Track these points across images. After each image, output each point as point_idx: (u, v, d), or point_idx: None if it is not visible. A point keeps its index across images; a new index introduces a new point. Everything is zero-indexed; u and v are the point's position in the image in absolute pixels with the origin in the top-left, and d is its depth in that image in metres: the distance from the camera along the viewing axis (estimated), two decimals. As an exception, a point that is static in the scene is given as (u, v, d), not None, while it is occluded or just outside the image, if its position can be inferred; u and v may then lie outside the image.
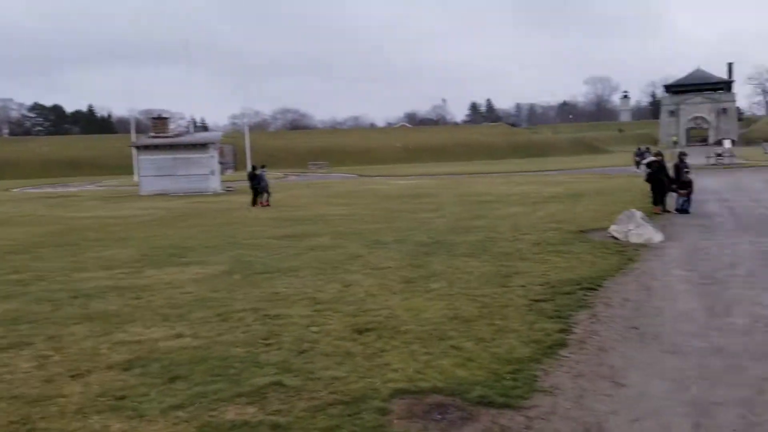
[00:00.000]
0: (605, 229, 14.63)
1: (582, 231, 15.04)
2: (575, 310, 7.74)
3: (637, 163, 45.21)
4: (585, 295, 8.55)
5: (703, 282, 9.36)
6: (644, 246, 12.78)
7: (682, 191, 18.34)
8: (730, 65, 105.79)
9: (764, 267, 10.30)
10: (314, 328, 7.12)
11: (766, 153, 63.75)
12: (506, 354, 6.07)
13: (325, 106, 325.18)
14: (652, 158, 20.11)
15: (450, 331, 6.87)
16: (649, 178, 19.11)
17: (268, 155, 58.43)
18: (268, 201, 26.95)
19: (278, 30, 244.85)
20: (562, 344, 6.41)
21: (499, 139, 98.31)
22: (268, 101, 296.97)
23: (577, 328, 6.96)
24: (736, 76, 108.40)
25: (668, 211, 18.40)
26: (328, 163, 75.57)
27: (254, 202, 26.67)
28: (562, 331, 6.83)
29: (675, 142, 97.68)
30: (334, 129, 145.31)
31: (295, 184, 46.54)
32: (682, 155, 19.43)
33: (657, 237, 13.48)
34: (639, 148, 46.50)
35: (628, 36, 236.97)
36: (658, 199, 18.70)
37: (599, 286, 9.14)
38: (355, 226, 17.77)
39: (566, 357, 6.05)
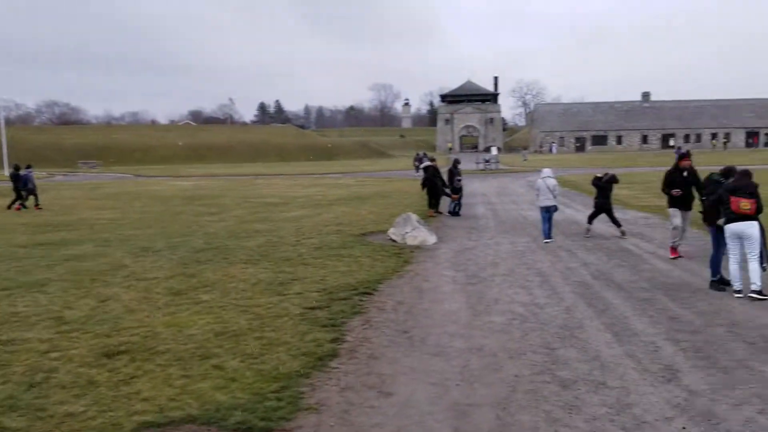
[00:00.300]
0: (385, 231, 15.02)
1: (363, 234, 15.28)
2: (350, 316, 7.64)
3: (416, 168, 47.93)
4: (361, 300, 8.52)
5: (469, 282, 9.86)
6: (419, 248, 13.28)
7: (454, 195, 19.55)
8: (495, 79, 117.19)
9: (520, 266, 11.16)
10: (54, 354, 6.16)
11: (525, 160, 71.40)
12: (273, 370, 5.72)
13: (102, 102, 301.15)
14: (428, 163, 21.21)
15: (215, 348, 6.35)
16: (425, 183, 20.21)
17: (30, 152, 52.25)
18: (38, 204, 23.93)
19: (52, 20, 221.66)
20: (333, 354, 6.22)
21: (288, 140, 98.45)
22: (35, 94, 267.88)
23: (349, 336, 6.84)
24: (501, 89, 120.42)
25: (441, 213, 19.55)
26: (102, 162, 69.68)
27: (10, 205, 23.45)
28: (334, 340, 6.65)
29: (450, 149, 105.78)
30: (109, 125, 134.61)
31: (60, 185, 42.03)
32: (456, 162, 20.70)
33: (431, 239, 14.10)
34: (417, 153, 49.31)
35: (410, 47, 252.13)
36: (433, 202, 19.81)
37: (375, 290, 9.20)
38: (124, 231, 16.29)
39: (336, 368, 5.86)
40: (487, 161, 50.35)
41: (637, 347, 6.38)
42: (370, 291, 9.06)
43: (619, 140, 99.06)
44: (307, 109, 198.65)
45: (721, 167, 9.30)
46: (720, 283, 8.94)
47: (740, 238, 8.29)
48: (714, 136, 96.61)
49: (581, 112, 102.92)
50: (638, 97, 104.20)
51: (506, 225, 17.10)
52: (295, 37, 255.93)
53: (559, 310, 7.91)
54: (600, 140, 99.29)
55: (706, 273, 9.74)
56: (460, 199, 19.69)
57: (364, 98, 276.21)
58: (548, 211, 14.26)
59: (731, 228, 8.36)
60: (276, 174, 50.64)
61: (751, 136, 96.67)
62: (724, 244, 8.88)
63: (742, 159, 52.92)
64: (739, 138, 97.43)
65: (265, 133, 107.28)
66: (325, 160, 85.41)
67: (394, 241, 14.12)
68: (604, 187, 14.53)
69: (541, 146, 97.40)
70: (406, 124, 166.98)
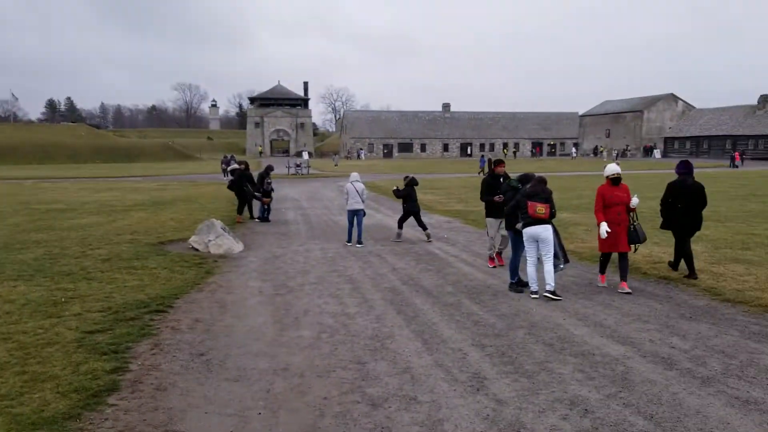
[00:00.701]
0: (187, 239, 13.92)
1: (162, 243, 14.03)
2: (137, 339, 6.69)
3: (224, 171, 46.19)
4: (152, 319, 7.56)
5: (277, 293, 9.28)
6: (224, 257, 12.42)
7: (265, 199, 18.79)
8: (305, 84, 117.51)
9: (331, 273, 10.81)
10: None
11: (336, 165, 72.28)
12: (34, 414, 4.69)
13: None
14: (235, 166, 20.20)
15: (-41, 392, 5.12)
16: (231, 186, 19.27)
17: None
18: None
19: None
20: (113, 388, 5.30)
21: (81, 141, 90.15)
22: None
23: (134, 364, 5.93)
24: (311, 95, 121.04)
25: (257, 219, 18.73)
26: None
27: None
28: (115, 370, 5.71)
29: (261, 152, 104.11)
30: None
31: None
32: (268, 168, 19.79)
33: (237, 247, 13.29)
34: (225, 156, 47.59)
35: (217, 48, 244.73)
36: (241, 207, 18.94)
37: (170, 306, 8.26)
38: None
39: (114, 405, 4.97)
40: (298, 166, 50.00)
41: (446, 355, 6.24)
42: (164, 308, 8.11)
43: (423, 148, 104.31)
44: (103, 108, 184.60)
45: (519, 174, 9.69)
46: (518, 285, 9.28)
47: (536, 240, 8.66)
48: (505, 145, 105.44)
49: (389, 120, 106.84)
50: (440, 108, 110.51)
51: (317, 231, 16.76)
52: (88, 30, 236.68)
53: (369, 320, 7.63)
54: (406, 147, 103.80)
55: (507, 276, 10.12)
56: (269, 203, 19.01)
57: (167, 98, 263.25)
58: (357, 215, 14.22)
59: (528, 231, 8.69)
60: (66, 177, 45.88)
61: (535, 146, 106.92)
62: (523, 248, 9.25)
63: (529, 166, 58.18)
64: (526, 147, 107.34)
65: (55, 132, 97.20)
66: (124, 162, 79.47)
67: (196, 250, 13.10)
68: (408, 193, 14.72)
69: (349, 152, 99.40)
70: (215, 126, 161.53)
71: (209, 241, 13.09)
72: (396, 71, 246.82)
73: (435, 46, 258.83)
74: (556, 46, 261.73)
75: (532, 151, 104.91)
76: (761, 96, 77.42)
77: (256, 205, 19.51)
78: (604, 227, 8.85)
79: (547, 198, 8.65)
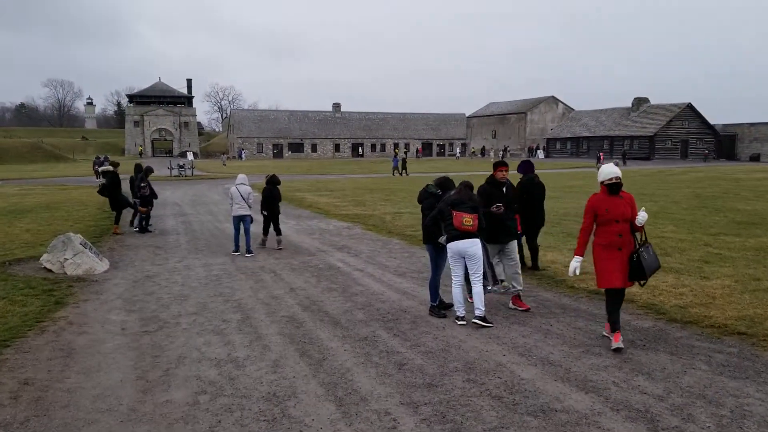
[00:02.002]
0: (39, 257, 11.58)
1: (7, 262, 11.60)
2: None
3: (97, 173, 42.39)
4: (-40, 383, 5.51)
5: (144, 329, 7.39)
6: (83, 280, 10.26)
7: (142, 208, 16.37)
8: (189, 81, 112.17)
9: (215, 297, 9.01)
10: None
11: (224, 165, 68.95)
12: None
13: None
14: (108, 167, 17.38)
15: None
16: (102, 190, 16.65)
17: None
18: None
19: None
20: None
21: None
22: None
23: None
24: (195, 93, 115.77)
25: (142, 230, 16.32)
26: None
27: None
28: None
29: (141, 153, 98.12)
30: None
31: None
32: (145, 170, 17.11)
33: (101, 266, 11.13)
34: (98, 157, 43.83)
35: (94, 43, 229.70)
36: (118, 216, 16.48)
37: (-5, 357, 6.21)
38: None
39: None
40: (181, 167, 46.78)
41: (369, 425, 4.72)
42: (-17, 363, 6.06)
43: (314, 148, 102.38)
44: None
45: (437, 177, 8.33)
46: (440, 307, 7.95)
47: (462, 257, 7.36)
48: (396, 145, 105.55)
49: (278, 119, 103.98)
50: (330, 108, 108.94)
51: (201, 241, 14.74)
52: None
53: (264, 368, 5.97)
54: (297, 147, 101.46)
55: (423, 294, 8.77)
56: (149, 211, 16.56)
57: (37, 95, 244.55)
58: (243, 221, 12.89)
59: (453, 246, 7.36)
60: None
61: (418, 148, 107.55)
62: (444, 264, 7.92)
63: (417, 167, 57.90)
64: (416, 148, 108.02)
65: None
66: (-15, 164, 71.91)
67: (49, 271, 10.83)
68: (272, 195, 13.54)
69: (226, 152, 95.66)
70: (91, 125, 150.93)
71: (65, 260, 10.85)
72: (283, 71, 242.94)
73: (322, 46, 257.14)
74: (442, 47, 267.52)
75: (415, 151, 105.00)
76: (635, 99, 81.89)
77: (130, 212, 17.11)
78: (575, 265, 6.58)
79: (474, 207, 7.33)
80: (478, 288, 7.31)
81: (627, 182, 7.73)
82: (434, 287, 7.97)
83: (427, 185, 8.15)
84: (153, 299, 8.94)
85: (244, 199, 12.85)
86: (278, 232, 13.72)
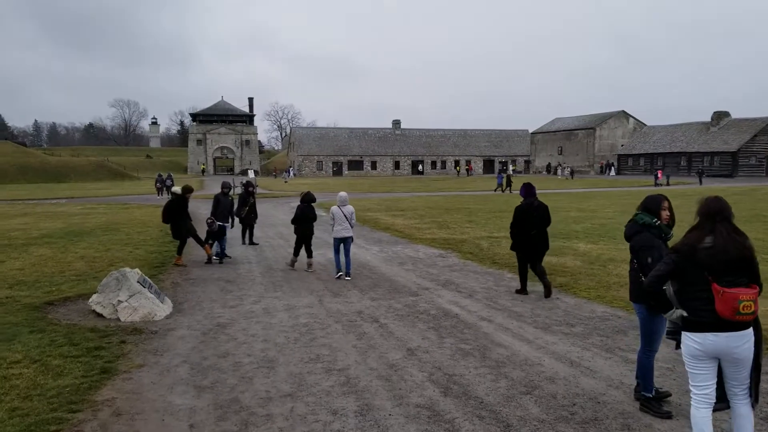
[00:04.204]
0: (90, 295, 9.53)
1: (50, 303, 9.59)
2: None
3: (159, 190, 41.34)
4: None
5: (219, 425, 5.07)
6: (140, 330, 8.08)
7: (208, 248, 13.85)
8: (250, 100, 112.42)
9: (311, 363, 6.64)
10: None
11: (285, 182, 67.69)
12: None
13: None
14: (177, 190, 14.53)
15: None
16: (166, 213, 13.71)
17: None
18: None
19: None
20: None
21: (5, 159, 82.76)
22: None
23: None
24: (256, 112, 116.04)
25: (213, 261, 13.90)
26: None
27: None
28: None
29: (203, 170, 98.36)
30: None
31: None
32: (225, 186, 15.03)
33: (162, 310, 8.96)
34: (160, 175, 42.77)
35: (159, 67, 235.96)
36: (181, 246, 13.77)
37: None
38: None
39: None
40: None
41: None
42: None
43: (373, 165, 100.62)
44: (37, 126, 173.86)
45: (647, 198, 5.61)
46: (658, 400, 5.33)
47: (716, 358, 4.26)
48: (457, 163, 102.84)
49: (338, 137, 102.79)
50: (390, 125, 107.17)
51: (277, 273, 12.52)
52: (23, 48, 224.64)
53: None
54: (356, 165, 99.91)
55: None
56: (222, 237, 14.21)
57: (105, 115, 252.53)
58: (344, 243, 11.94)
59: (709, 343, 4.17)
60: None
61: (488, 164, 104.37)
62: (660, 337, 5.33)
63: (480, 184, 55.00)
64: (479, 165, 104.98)
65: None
66: (53, 182, 72.79)
67: (99, 315, 8.74)
68: (304, 214, 12.58)
69: (290, 167, 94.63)
70: (155, 143, 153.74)
71: (119, 302, 8.74)
72: (340, 92, 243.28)
73: (379, 69, 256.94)
74: (499, 69, 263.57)
75: (465, 169, 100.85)
76: (715, 113, 76.93)
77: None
78: None
79: (754, 273, 4.16)
80: (745, 409, 4.32)
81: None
82: (647, 369, 5.32)
83: (636, 214, 5.52)
84: (229, 366, 6.63)
85: (347, 219, 11.88)
86: (309, 254, 12.91)
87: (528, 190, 10.13)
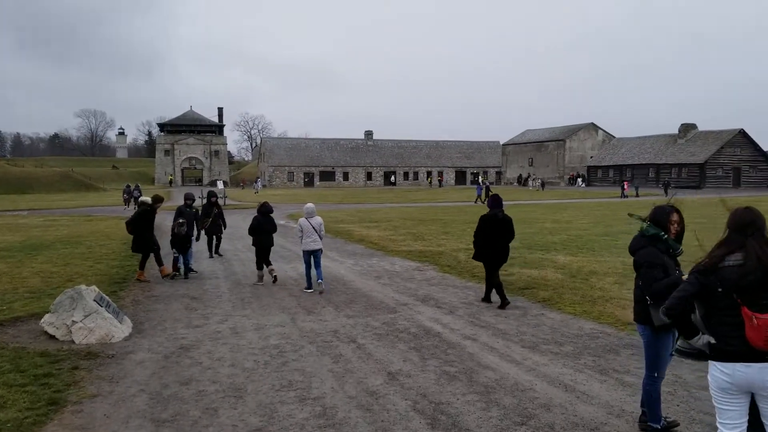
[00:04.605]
0: (43, 315, 8.79)
1: (4, 323, 8.84)
2: None
3: (126, 201, 40.30)
4: None
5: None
6: (96, 354, 7.40)
7: (168, 271, 13.11)
8: (220, 110, 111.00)
9: (284, 392, 6.06)
10: None
11: (256, 193, 66.73)
12: None
13: None
14: (146, 199, 13.84)
15: None
16: (130, 225, 12.87)
17: None
18: None
19: None
20: None
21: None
22: None
23: None
24: (225, 122, 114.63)
25: (177, 275, 13.14)
26: None
27: None
28: None
29: (171, 181, 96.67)
30: None
31: None
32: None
33: (120, 331, 8.28)
34: (128, 186, 41.73)
35: (126, 75, 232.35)
36: (144, 259, 13.01)
37: None
38: None
39: None
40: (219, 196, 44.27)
41: None
42: None
43: (345, 176, 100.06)
44: (0, 136, 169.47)
45: (655, 208, 5.07)
46: (667, 430, 4.88)
47: (748, 392, 3.73)
48: (429, 174, 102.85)
49: (309, 148, 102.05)
50: (362, 136, 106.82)
51: (246, 289, 11.88)
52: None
53: None
54: (328, 176, 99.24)
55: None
56: (187, 250, 13.45)
57: (70, 125, 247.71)
58: (314, 256, 11.60)
59: (739, 375, 3.66)
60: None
61: (460, 175, 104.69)
62: (666, 363, 4.87)
63: (452, 195, 54.76)
64: (450, 176, 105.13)
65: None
66: (16, 193, 70.68)
67: (52, 337, 8.03)
68: (260, 226, 12.27)
69: (242, 182, 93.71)
70: (122, 154, 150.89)
71: (73, 323, 8.04)
72: (312, 103, 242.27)
73: (352, 80, 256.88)
74: (472, 80, 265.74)
75: (438, 179, 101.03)
76: (682, 125, 78.02)
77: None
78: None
79: None
80: None
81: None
82: (654, 398, 4.85)
83: (642, 228, 5.02)
84: (192, 395, 6.00)
85: (316, 231, 11.59)
86: (268, 263, 12.54)
87: (495, 201, 10.21)
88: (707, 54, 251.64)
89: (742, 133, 72.82)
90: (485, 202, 42.78)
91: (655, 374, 4.83)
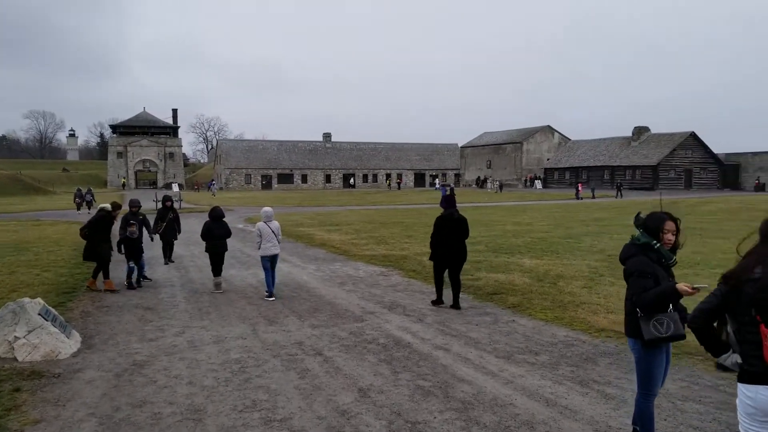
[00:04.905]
0: (-18, 329, 8.09)
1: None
2: None
3: (78, 205, 39.00)
4: None
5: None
6: (40, 374, 6.82)
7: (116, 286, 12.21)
8: (174, 111, 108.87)
9: (247, 413, 5.61)
10: None
11: (214, 195, 65.52)
12: None
13: None
14: (106, 206, 12.68)
15: None
16: (85, 231, 12.13)
17: None
18: None
19: None
20: None
21: None
22: None
23: None
24: (181, 124, 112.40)
25: (110, 291, 12.08)
26: None
27: None
28: None
29: (124, 185, 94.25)
30: None
31: None
32: (133, 205, 13.39)
33: (67, 346, 7.69)
34: (79, 189, 40.43)
35: (78, 75, 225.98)
36: (98, 268, 12.19)
37: None
38: None
39: None
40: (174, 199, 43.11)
41: None
42: None
43: (304, 179, 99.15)
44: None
45: (649, 214, 4.65)
46: None
47: None
48: (388, 176, 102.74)
49: (267, 150, 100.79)
50: (320, 138, 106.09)
51: (204, 298, 11.33)
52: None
53: None
54: (286, 178, 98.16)
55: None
56: (140, 256, 12.68)
57: (18, 127, 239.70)
58: (272, 261, 11.32)
59: (762, 399, 3.30)
60: None
61: (419, 177, 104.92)
62: (661, 378, 4.60)
63: (412, 197, 54.65)
64: (410, 178, 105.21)
65: None
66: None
67: (-9, 355, 7.40)
68: (210, 231, 11.99)
69: (196, 184, 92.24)
70: (73, 156, 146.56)
71: (15, 338, 7.42)
72: (269, 104, 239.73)
73: (310, 81, 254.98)
74: (430, 81, 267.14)
75: (396, 182, 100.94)
76: (635, 128, 79.72)
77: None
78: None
79: None
80: None
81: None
82: (647, 417, 4.54)
83: (633, 236, 4.70)
84: (147, 418, 5.51)
85: (276, 236, 11.32)
86: (219, 271, 12.10)
87: (448, 201, 10.22)
88: (659, 60, 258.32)
89: (693, 136, 74.74)
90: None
91: (648, 392, 4.55)
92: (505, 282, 12.18)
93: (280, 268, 14.89)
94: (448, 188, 45.43)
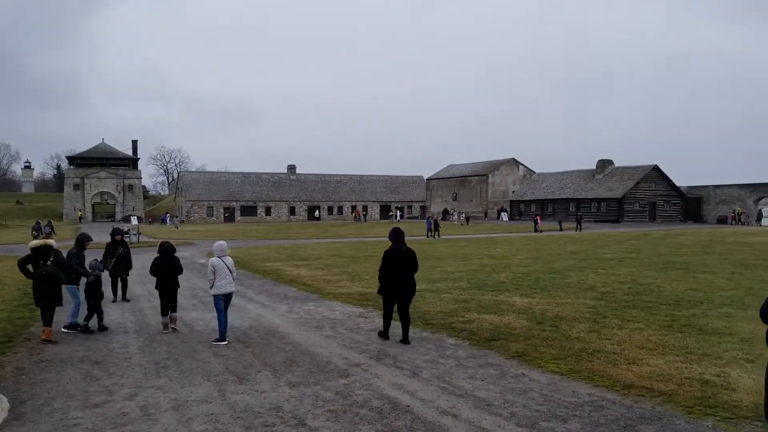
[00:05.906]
0: None
1: None
2: None
3: (35, 239, 36.85)
4: None
5: None
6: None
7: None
8: (134, 143, 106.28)
9: None
10: None
11: (176, 228, 63.32)
12: None
13: None
14: (48, 242, 11.44)
15: None
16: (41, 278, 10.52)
17: None
18: None
19: None
20: None
21: None
22: None
23: None
24: (141, 155, 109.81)
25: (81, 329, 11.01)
26: None
27: None
28: None
29: (81, 218, 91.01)
30: None
31: None
32: (82, 240, 12.15)
33: (-13, 419, 6.20)
34: (38, 222, 38.48)
35: (34, 104, 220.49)
36: (51, 314, 10.45)
37: None
38: None
39: None
40: (125, 233, 41.16)
41: None
42: None
43: (268, 211, 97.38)
44: None
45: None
46: None
47: None
48: (353, 208, 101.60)
49: (230, 182, 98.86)
50: (285, 170, 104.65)
51: (160, 346, 9.86)
52: None
53: None
54: (250, 210, 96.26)
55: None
56: (96, 302, 11.33)
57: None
58: (226, 300, 10.28)
59: None
60: None
61: (384, 209, 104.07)
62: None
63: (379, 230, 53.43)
64: (375, 210, 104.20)
65: None
66: None
67: None
68: (159, 267, 11.10)
69: (150, 218, 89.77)
70: (28, 189, 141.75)
71: None
72: (233, 137, 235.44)
73: (274, 114, 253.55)
74: (396, 115, 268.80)
75: (354, 214, 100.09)
76: (599, 161, 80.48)
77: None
78: None
79: None
80: None
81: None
82: None
83: None
84: None
85: (231, 272, 10.32)
86: (174, 308, 11.27)
87: (396, 235, 10.15)
88: (619, 93, 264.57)
89: (656, 169, 75.66)
90: (435, 236, 41.89)
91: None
92: (501, 325, 11.00)
93: (248, 309, 13.52)
94: (432, 220, 44.40)
